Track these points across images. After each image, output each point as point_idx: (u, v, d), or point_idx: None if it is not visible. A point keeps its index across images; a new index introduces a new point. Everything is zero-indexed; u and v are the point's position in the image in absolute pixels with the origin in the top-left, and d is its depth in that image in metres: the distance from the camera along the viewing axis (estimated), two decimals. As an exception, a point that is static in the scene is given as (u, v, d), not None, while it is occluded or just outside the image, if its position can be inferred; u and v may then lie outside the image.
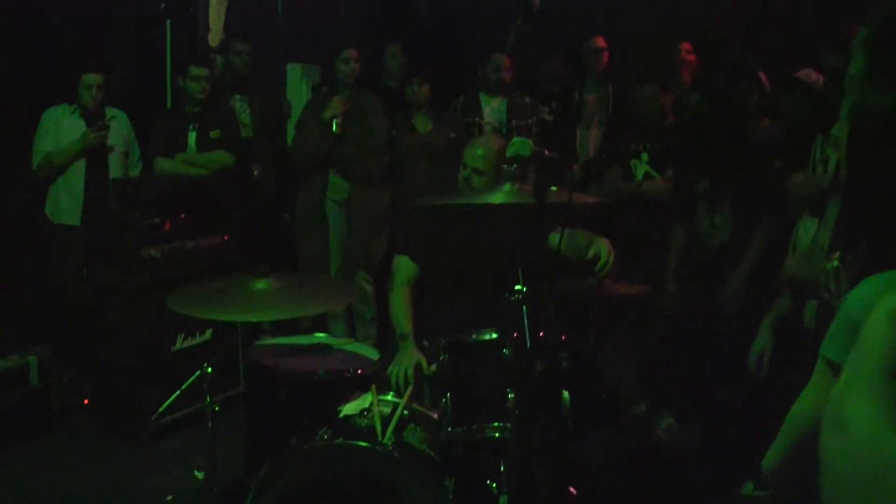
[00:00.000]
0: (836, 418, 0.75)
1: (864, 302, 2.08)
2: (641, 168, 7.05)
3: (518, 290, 3.72)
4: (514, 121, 8.26)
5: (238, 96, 8.54)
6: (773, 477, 2.29)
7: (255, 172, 8.45)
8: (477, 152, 5.22)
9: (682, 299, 6.36)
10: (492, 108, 8.37)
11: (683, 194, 6.43)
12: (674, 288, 6.36)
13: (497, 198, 4.03)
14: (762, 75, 6.99)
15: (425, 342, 4.77)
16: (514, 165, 4.02)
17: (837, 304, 3.76)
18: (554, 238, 4.45)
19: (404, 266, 5.24)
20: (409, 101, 8.23)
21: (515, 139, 3.96)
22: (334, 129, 7.76)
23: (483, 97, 8.42)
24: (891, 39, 2.29)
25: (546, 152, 3.91)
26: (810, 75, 6.55)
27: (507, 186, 4.05)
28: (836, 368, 1.98)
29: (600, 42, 8.56)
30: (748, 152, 6.16)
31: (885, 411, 0.71)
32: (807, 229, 5.41)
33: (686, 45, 8.30)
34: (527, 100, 8.41)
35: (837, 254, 3.68)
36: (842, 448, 0.73)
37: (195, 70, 7.86)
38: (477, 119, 8.26)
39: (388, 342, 5.45)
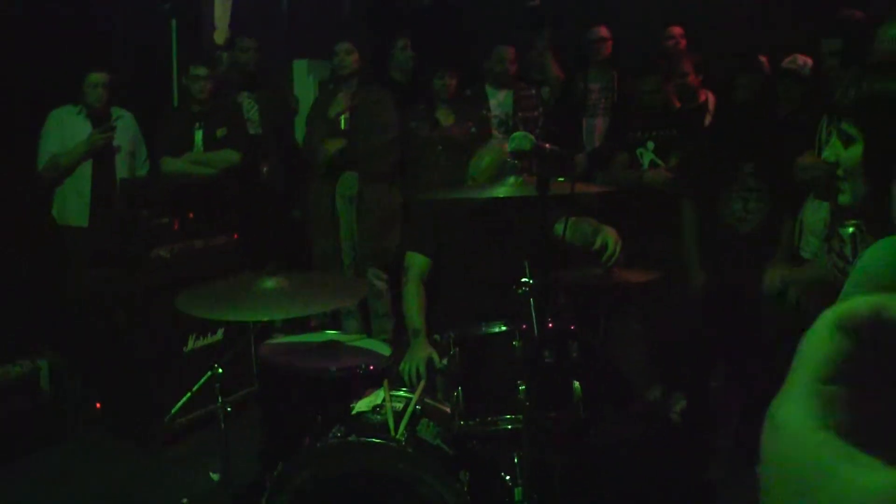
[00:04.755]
0: (772, 418, 0.77)
1: (884, 258, 2.09)
2: (647, 156, 7.04)
3: (525, 282, 3.73)
4: (520, 113, 8.25)
5: (245, 93, 8.55)
6: None
7: (265, 170, 8.46)
8: (475, 165, 5.23)
9: (709, 283, 6.34)
10: (498, 101, 8.35)
11: (694, 173, 6.42)
12: (700, 275, 6.33)
13: (501, 191, 4.05)
14: (764, 59, 6.98)
15: (436, 336, 4.79)
16: (517, 159, 4.03)
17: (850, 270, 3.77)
18: (559, 227, 4.47)
19: (416, 261, 5.25)
20: (435, 94, 8.18)
21: (516, 133, 3.96)
22: (342, 125, 7.76)
23: (489, 90, 8.40)
24: None
25: (547, 145, 3.92)
26: (796, 60, 6.56)
27: (511, 179, 4.06)
28: None
29: (603, 31, 8.60)
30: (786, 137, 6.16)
31: (813, 413, 0.74)
32: (813, 211, 5.42)
33: (675, 30, 8.32)
34: (532, 91, 8.40)
35: (853, 220, 3.69)
36: (773, 446, 0.75)
37: (195, 70, 7.88)
38: (484, 112, 8.23)
39: (403, 336, 5.47)
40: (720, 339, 6.28)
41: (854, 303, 0.78)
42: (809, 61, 6.59)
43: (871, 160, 2.35)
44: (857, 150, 2.42)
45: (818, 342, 0.77)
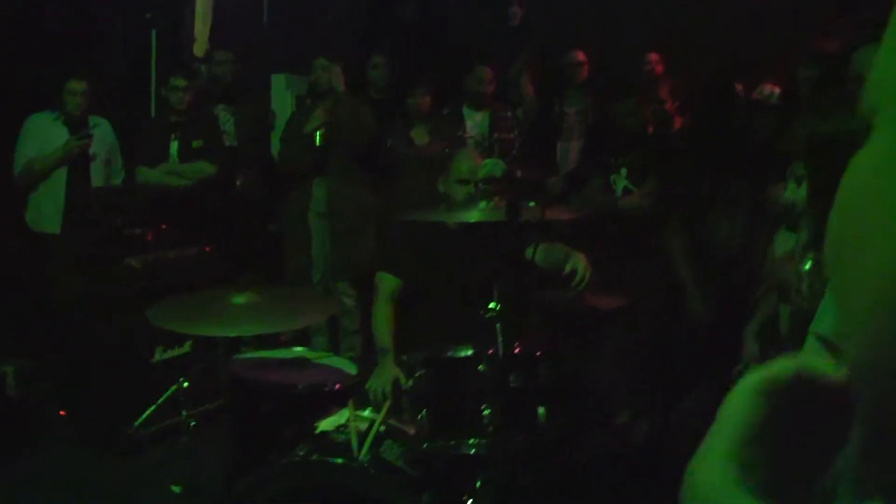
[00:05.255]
0: (691, 477, 0.79)
1: None
2: (621, 182, 7.08)
3: (492, 307, 3.75)
4: (496, 134, 8.24)
5: (222, 106, 8.55)
6: None
7: (239, 182, 8.46)
8: (463, 167, 5.29)
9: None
10: (475, 122, 8.35)
11: (679, 200, 6.46)
12: (700, 299, 6.35)
13: (473, 215, 4.07)
14: (740, 86, 7.04)
15: (403, 357, 4.80)
16: (489, 185, 4.06)
17: (809, 307, 3.79)
18: (529, 252, 4.50)
19: (387, 282, 5.29)
20: (410, 112, 8.22)
21: (488, 160, 4.03)
22: (318, 141, 7.76)
23: (466, 110, 8.41)
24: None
25: (518, 172, 3.95)
26: (763, 91, 6.62)
27: (483, 204, 4.09)
28: (828, 344, 1.97)
29: (580, 56, 8.57)
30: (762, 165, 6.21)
31: (731, 474, 0.75)
32: (784, 242, 5.47)
33: (653, 56, 8.36)
34: (509, 113, 8.40)
35: (810, 255, 3.72)
36: None
37: (174, 80, 7.87)
38: (460, 133, 8.23)
39: (370, 354, 5.49)
40: (707, 363, 6.29)
41: (774, 367, 0.79)
42: (777, 89, 6.65)
43: (815, 200, 2.39)
44: (805, 189, 2.46)
45: (738, 406, 0.79)
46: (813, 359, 0.77)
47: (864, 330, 0.62)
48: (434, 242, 5.20)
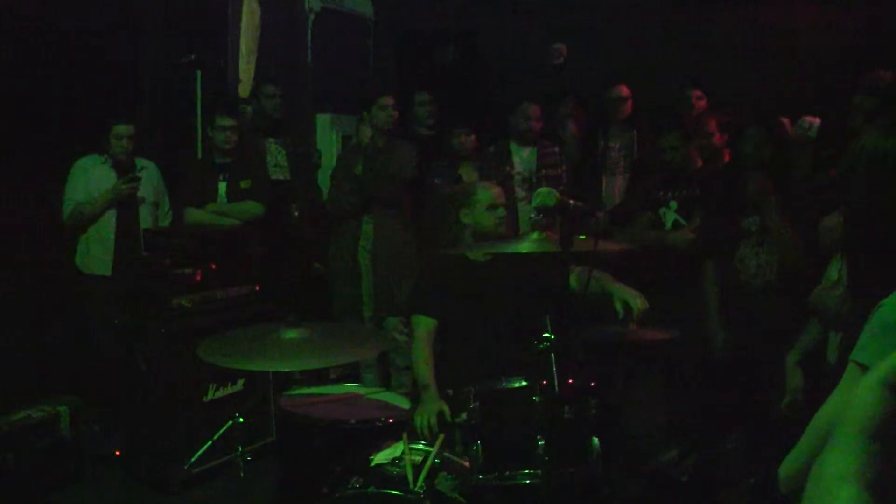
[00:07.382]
0: (817, 467, 0.78)
1: None
2: (670, 216, 7.05)
3: (546, 337, 3.75)
4: (543, 170, 8.22)
5: (272, 139, 8.61)
6: (788, 483, 2.24)
7: (297, 213, 8.48)
8: (487, 194, 5.52)
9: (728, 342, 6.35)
10: (522, 158, 8.30)
11: (717, 232, 6.43)
12: (723, 334, 6.33)
13: (524, 246, 4.08)
14: (786, 121, 7.01)
15: (449, 391, 4.81)
16: (541, 215, 4.06)
17: None
18: (573, 280, 4.49)
19: (422, 323, 5.37)
20: (454, 151, 8.25)
21: (541, 189, 4.00)
22: (368, 182, 7.83)
23: (513, 146, 8.36)
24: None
25: (571, 202, 3.96)
26: (802, 125, 6.60)
27: (535, 235, 4.10)
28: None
29: (623, 90, 8.51)
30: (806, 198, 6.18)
31: (854, 466, 0.74)
32: (835, 268, 5.43)
33: (696, 93, 8.30)
34: (556, 148, 8.38)
35: None
36: (812, 493, 0.76)
37: (220, 120, 7.87)
38: (507, 169, 8.23)
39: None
40: (739, 401, 6.24)
41: None
42: (817, 121, 6.63)
43: (846, 232, 2.41)
44: None
45: (865, 398, 0.78)
46: None
47: None
48: (468, 277, 5.27)
